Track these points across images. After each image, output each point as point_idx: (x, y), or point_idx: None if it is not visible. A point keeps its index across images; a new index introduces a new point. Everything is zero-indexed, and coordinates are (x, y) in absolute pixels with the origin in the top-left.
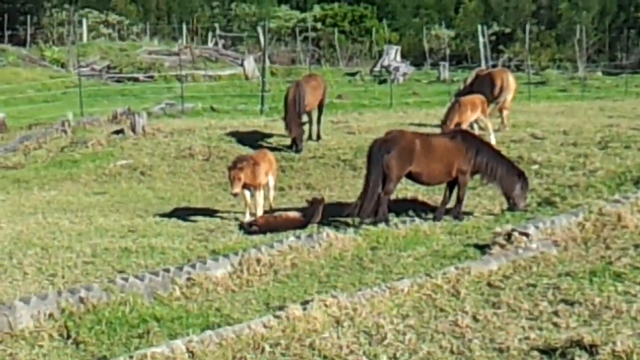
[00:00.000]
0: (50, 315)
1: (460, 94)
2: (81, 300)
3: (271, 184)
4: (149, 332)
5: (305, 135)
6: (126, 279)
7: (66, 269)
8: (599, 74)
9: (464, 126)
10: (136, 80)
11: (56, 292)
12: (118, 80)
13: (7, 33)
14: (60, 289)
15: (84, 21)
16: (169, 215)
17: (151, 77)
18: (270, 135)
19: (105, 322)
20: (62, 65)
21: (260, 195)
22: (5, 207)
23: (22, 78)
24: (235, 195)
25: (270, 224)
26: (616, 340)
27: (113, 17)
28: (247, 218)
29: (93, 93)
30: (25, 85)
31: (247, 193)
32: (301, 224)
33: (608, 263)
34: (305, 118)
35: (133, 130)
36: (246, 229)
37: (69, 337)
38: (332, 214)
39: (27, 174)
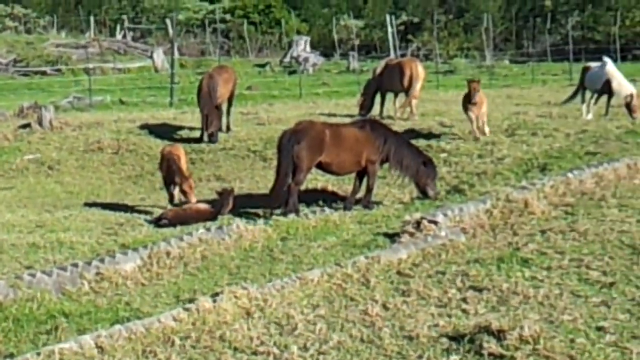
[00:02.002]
0: None
1: (370, 84)
2: None
3: None
4: (57, 328)
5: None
6: (34, 275)
7: None
8: (506, 62)
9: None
10: (43, 73)
11: None
12: (25, 74)
13: None
14: None
15: None
16: (78, 209)
17: (59, 70)
18: (180, 128)
19: (12, 319)
20: None
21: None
22: None
23: None
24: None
25: (179, 217)
26: (523, 325)
27: (19, 10)
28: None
29: None
30: None
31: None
32: (211, 216)
33: (515, 249)
34: None
35: (40, 124)
36: (155, 222)
37: None
38: (243, 205)
39: None
